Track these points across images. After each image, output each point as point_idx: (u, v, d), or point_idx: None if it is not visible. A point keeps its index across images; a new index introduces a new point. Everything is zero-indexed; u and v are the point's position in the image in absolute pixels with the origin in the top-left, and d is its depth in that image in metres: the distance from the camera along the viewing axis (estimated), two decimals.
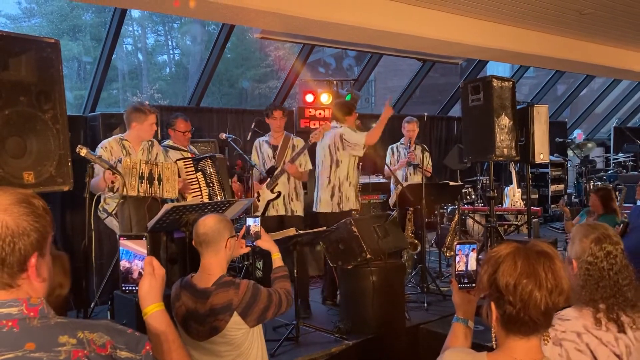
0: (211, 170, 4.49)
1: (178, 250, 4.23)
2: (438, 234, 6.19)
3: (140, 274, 1.61)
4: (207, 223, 2.50)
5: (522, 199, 8.09)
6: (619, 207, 5.05)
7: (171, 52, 20.87)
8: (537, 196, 9.31)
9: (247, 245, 2.77)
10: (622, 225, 4.48)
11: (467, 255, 1.77)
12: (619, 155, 10.76)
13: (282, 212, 4.89)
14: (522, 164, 7.89)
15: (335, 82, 7.20)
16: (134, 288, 1.62)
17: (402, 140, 6.35)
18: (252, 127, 5.49)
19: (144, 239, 1.65)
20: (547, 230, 8.70)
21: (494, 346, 1.47)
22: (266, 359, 2.63)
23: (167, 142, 4.69)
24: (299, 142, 4.99)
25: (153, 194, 3.80)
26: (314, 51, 7.73)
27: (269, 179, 4.88)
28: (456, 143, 8.14)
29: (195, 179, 4.45)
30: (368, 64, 7.90)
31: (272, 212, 4.87)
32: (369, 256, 4.11)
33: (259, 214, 4.71)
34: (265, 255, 4.30)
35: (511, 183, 8.36)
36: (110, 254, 4.60)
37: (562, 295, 1.39)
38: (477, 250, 1.82)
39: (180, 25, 19.49)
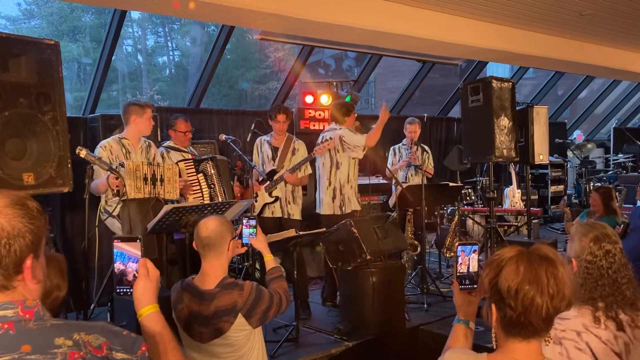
0: (212, 171, 4.50)
1: (178, 252, 4.23)
2: (438, 235, 6.18)
3: (134, 276, 1.61)
4: (210, 226, 2.48)
5: (522, 200, 8.08)
6: (618, 207, 5.05)
7: (171, 53, 20.85)
8: (536, 197, 9.30)
9: (243, 245, 2.77)
10: (622, 226, 4.48)
11: (468, 257, 1.77)
12: (619, 156, 10.72)
13: (278, 214, 4.89)
14: (522, 165, 7.86)
15: (334, 83, 7.19)
16: (128, 290, 1.62)
17: (404, 141, 6.34)
18: (252, 128, 5.48)
19: (137, 241, 1.65)
20: (547, 231, 8.68)
21: (494, 347, 1.47)
22: None
23: (168, 143, 4.69)
24: (300, 145, 4.98)
25: (156, 195, 3.82)
26: (314, 52, 7.72)
27: (268, 182, 4.88)
28: (456, 144, 8.13)
29: (196, 180, 4.46)
30: (368, 65, 7.90)
31: (267, 213, 4.88)
32: (369, 257, 4.10)
33: (255, 214, 4.71)
34: None
35: (511, 184, 8.35)
36: (110, 255, 4.58)
37: (563, 301, 1.38)
38: (478, 251, 1.81)
39: (180, 27, 19.47)
